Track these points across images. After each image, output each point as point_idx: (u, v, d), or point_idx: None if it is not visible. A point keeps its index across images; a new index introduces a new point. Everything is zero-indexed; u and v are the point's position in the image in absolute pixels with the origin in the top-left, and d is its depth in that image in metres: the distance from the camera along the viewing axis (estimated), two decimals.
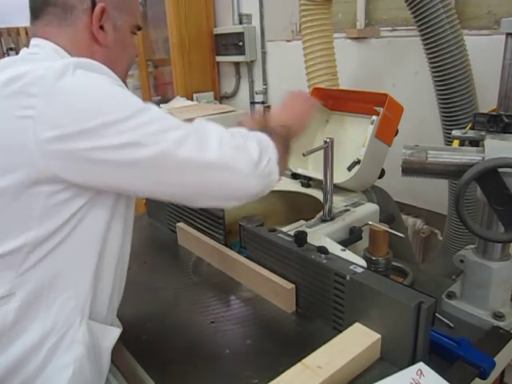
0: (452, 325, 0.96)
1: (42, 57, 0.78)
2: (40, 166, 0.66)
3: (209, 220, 1.26)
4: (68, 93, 0.66)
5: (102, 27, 0.81)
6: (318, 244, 0.99)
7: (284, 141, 0.84)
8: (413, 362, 0.81)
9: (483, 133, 0.96)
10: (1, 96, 0.68)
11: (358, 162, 1.28)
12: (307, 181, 1.45)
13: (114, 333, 0.83)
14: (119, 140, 0.66)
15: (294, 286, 1.01)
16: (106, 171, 0.68)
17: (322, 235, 1.10)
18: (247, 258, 1.13)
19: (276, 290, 1.03)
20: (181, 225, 1.36)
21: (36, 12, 0.81)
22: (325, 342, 0.84)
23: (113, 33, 0.83)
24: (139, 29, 0.91)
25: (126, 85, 0.87)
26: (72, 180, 0.69)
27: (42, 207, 0.69)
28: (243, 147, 0.74)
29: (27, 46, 0.83)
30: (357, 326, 0.88)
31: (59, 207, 0.70)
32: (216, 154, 0.71)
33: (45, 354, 0.73)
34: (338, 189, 1.33)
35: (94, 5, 0.79)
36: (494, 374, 0.88)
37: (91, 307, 0.78)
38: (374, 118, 1.27)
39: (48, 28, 0.80)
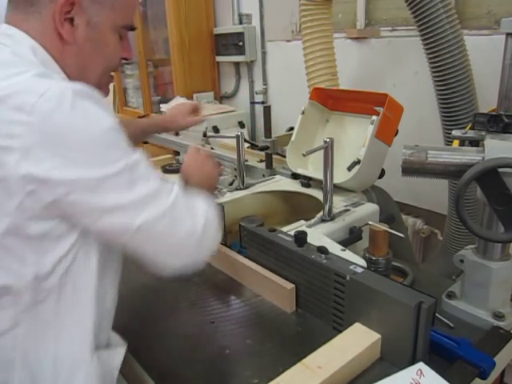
0: (452, 325, 0.96)
1: (19, 60, 0.68)
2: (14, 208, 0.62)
3: None
4: (60, 130, 0.61)
5: (72, 20, 0.72)
6: (318, 244, 0.99)
7: None
8: (413, 361, 0.81)
9: (483, 133, 0.96)
10: None
11: (358, 161, 1.28)
12: (307, 181, 1.45)
13: (120, 353, 0.81)
14: (106, 198, 0.64)
15: (293, 286, 1.01)
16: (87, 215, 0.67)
17: (321, 235, 1.10)
18: (247, 257, 1.13)
19: (276, 290, 1.03)
20: None
21: None
22: (325, 342, 0.84)
23: (85, 29, 0.73)
24: (131, 29, 0.81)
25: (103, 92, 0.82)
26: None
27: (36, 245, 0.66)
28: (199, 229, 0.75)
29: None
30: (357, 326, 0.88)
31: (53, 244, 0.67)
32: (188, 228, 0.73)
33: None
34: (338, 189, 1.33)
35: None
36: (494, 374, 0.88)
37: (96, 337, 0.75)
38: (374, 117, 1.27)
39: (16, 13, 0.72)
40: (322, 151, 1.15)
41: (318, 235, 1.09)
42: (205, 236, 0.76)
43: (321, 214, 1.21)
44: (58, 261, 0.68)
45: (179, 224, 0.72)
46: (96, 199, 0.64)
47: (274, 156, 1.68)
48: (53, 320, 0.70)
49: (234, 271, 1.16)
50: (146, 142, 2.65)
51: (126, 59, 0.86)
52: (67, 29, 0.72)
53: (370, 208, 1.26)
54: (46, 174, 0.61)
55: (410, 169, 0.93)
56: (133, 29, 0.82)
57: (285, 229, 1.14)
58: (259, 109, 2.75)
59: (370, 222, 1.10)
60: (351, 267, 0.91)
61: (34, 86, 0.62)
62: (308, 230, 1.06)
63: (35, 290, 0.68)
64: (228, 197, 1.39)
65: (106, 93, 0.84)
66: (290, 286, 1.01)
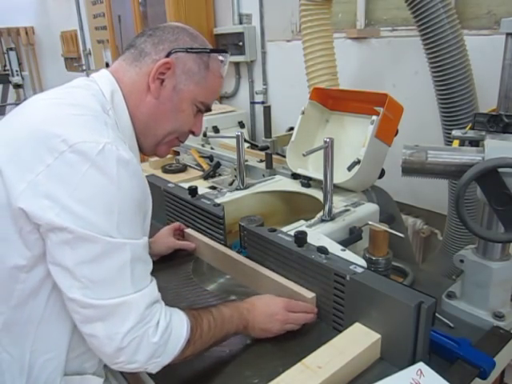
0: (452, 325, 0.96)
1: (91, 102, 0.79)
2: None
3: (209, 220, 1.26)
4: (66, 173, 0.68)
5: (162, 80, 0.86)
6: (317, 244, 0.99)
7: (218, 340, 0.86)
8: (413, 361, 0.81)
9: (483, 133, 0.96)
10: (24, 137, 0.72)
11: (358, 161, 1.29)
12: (307, 181, 1.45)
13: (93, 382, 0.85)
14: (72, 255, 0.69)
15: (295, 283, 1.01)
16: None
17: (321, 235, 1.10)
18: (247, 257, 1.13)
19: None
20: None
21: (123, 52, 0.91)
22: (325, 342, 0.84)
23: (170, 91, 0.86)
24: (207, 109, 0.93)
25: (160, 152, 0.94)
26: None
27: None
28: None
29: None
30: (357, 326, 0.88)
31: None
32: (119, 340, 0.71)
33: None
34: (338, 189, 1.33)
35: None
36: (494, 374, 0.88)
37: (76, 363, 0.82)
38: (374, 117, 1.27)
39: (123, 63, 0.88)
40: (322, 151, 1.15)
41: (318, 235, 1.09)
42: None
43: (321, 214, 1.21)
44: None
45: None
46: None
47: (274, 156, 1.68)
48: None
49: (233, 271, 1.16)
50: None
51: (193, 133, 0.95)
52: (156, 85, 0.85)
53: (370, 208, 1.26)
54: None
55: (410, 169, 0.93)
56: (208, 109, 0.94)
57: (285, 229, 1.14)
58: (259, 109, 2.75)
59: (369, 222, 1.10)
60: (351, 267, 0.91)
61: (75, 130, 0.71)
62: (308, 230, 1.06)
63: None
64: (228, 197, 1.39)
65: (163, 153, 0.95)
66: (290, 284, 1.01)
